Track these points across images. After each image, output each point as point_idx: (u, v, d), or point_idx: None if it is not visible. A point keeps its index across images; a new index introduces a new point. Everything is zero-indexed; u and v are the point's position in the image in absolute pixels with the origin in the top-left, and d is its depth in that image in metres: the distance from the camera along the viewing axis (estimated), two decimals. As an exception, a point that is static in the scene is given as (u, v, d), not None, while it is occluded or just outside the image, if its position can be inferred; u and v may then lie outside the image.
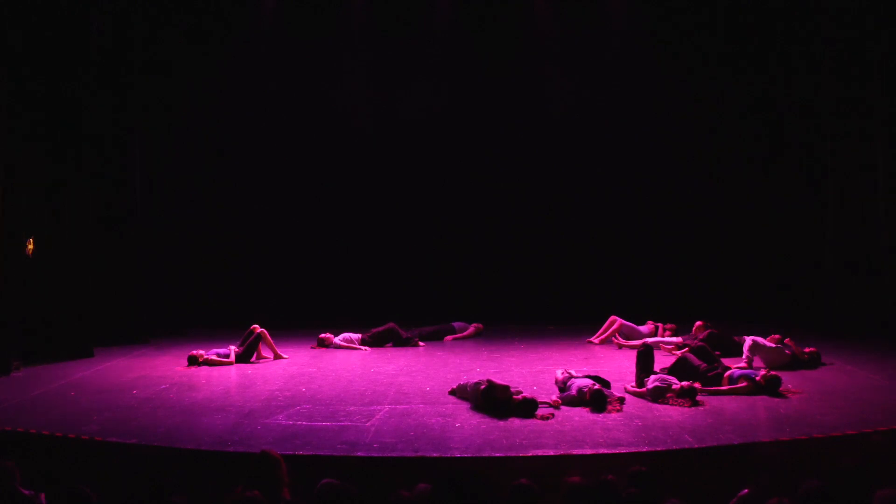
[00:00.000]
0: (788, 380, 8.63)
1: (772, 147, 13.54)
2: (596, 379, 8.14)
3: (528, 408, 7.53)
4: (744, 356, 9.64)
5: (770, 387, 8.20)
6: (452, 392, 8.41)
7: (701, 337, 10.25)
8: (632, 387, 8.42)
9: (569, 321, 13.05)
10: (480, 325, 12.64)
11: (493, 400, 7.65)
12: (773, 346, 9.77)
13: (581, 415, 7.54)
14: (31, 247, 10.53)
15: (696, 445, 6.54)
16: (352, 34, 13.94)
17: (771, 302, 13.32)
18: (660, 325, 11.70)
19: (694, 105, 13.82)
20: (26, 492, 5.20)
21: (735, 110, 13.68)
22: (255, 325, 10.83)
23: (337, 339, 11.70)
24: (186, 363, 10.32)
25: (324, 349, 11.55)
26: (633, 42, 13.84)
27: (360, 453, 6.45)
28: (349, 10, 13.98)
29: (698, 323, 10.96)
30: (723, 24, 13.64)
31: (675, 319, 11.77)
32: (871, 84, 11.88)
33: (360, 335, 11.78)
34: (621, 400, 7.81)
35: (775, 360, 9.47)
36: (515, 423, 7.27)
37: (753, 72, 13.50)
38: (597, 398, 7.68)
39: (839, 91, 12.23)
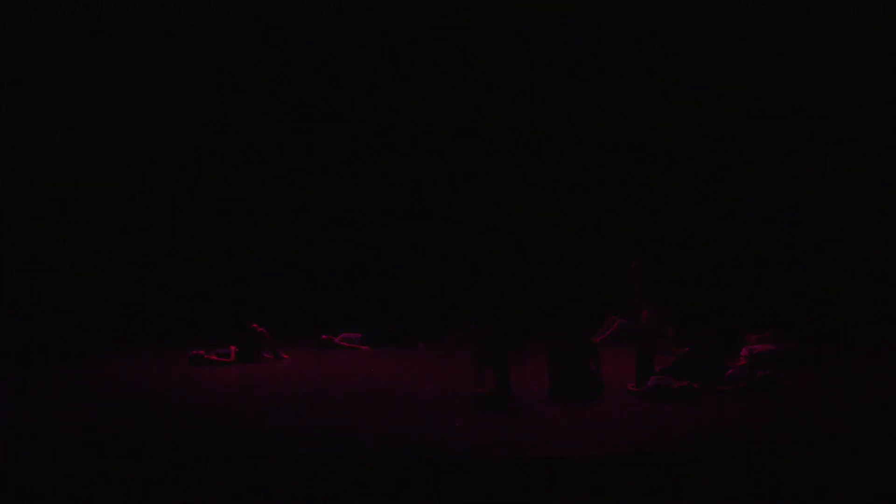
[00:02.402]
0: (788, 380, 8.64)
1: (772, 146, 13.54)
2: None
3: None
4: (741, 357, 9.67)
5: (769, 387, 8.21)
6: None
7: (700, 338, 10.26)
8: (632, 387, 8.42)
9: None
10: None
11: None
12: (773, 347, 9.78)
13: (581, 415, 7.55)
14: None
15: (696, 445, 6.55)
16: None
17: (771, 302, 13.33)
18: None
19: (692, 103, 13.81)
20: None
21: (734, 108, 13.68)
22: (256, 325, 10.84)
23: (337, 340, 11.71)
24: (187, 363, 10.33)
25: (324, 349, 11.56)
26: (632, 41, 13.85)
27: (359, 453, 6.45)
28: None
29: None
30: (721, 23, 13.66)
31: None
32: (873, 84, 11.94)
33: (360, 335, 11.79)
34: None
35: (774, 361, 9.49)
36: (516, 423, 7.28)
37: (752, 70, 13.52)
38: None
39: (838, 91, 12.27)
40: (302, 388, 8.93)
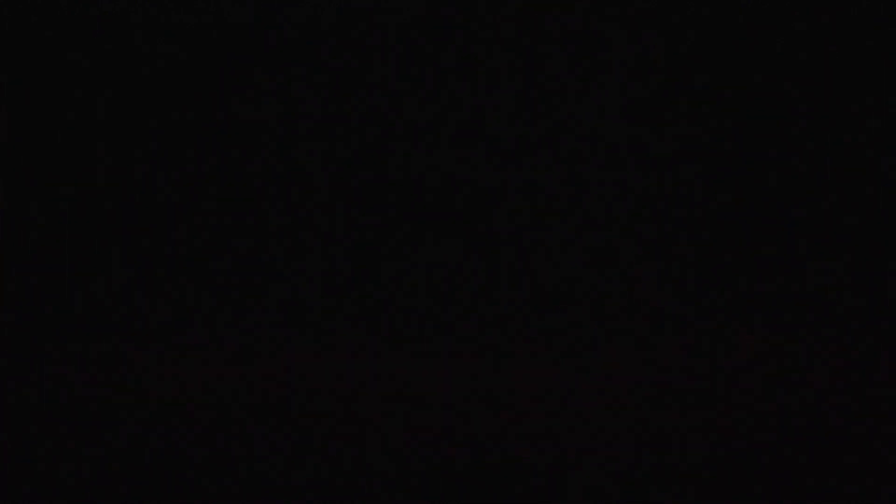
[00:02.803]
0: (787, 380, 8.63)
1: (773, 142, 13.53)
2: None
3: None
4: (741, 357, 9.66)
5: (768, 387, 8.20)
6: None
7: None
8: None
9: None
10: (481, 325, 12.65)
11: None
12: (773, 347, 9.78)
13: (580, 416, 7.54)
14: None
15: (698, 447, 6.54)
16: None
17: (771, 300, 13.33)
18: None
19: (690, 97, 13.79)
20: None
21: (732, 104, 13.67)
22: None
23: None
24: (187, 363, 10.33)
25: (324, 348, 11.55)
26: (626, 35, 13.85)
27: (359, 454, 6.45)
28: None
29: None
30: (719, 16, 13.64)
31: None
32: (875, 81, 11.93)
33: (360, 335, 11.81)
34: None
35: (769, 359, 9.50)
36: (514, 424, 7.28)
37: (749, 64, 13.51)
38: None
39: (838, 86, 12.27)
40: (302, 388, 8.92)
